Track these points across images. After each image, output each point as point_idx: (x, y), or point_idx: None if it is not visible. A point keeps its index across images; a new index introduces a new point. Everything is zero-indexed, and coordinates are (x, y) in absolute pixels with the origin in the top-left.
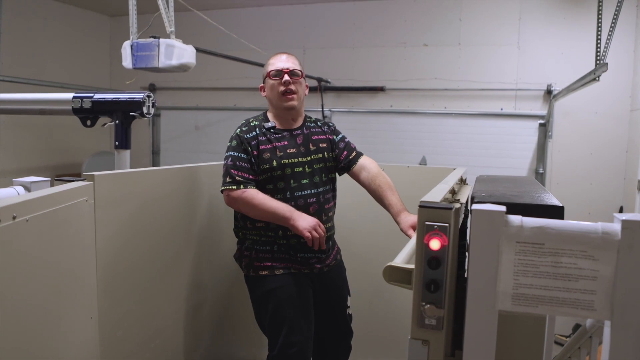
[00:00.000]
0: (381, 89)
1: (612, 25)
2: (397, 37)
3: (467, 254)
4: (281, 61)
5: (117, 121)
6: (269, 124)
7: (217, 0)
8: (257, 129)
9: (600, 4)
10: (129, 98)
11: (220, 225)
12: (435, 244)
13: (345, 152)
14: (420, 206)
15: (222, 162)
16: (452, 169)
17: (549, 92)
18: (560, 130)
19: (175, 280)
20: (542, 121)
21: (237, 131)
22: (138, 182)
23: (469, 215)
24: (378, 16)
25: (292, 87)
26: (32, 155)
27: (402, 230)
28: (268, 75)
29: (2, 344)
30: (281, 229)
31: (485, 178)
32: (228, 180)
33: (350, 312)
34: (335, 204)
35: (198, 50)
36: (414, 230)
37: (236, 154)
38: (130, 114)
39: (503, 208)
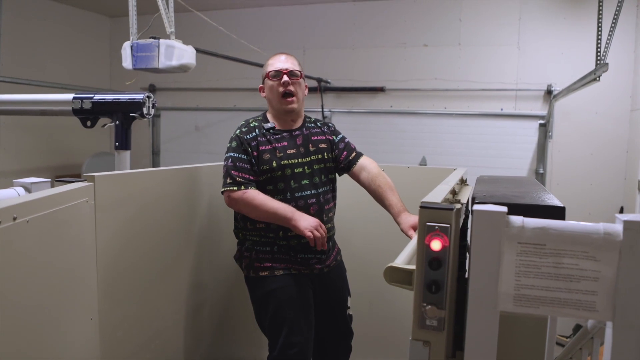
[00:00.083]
0: (381, 90)
1: (613, 25)
2: (397, 38)
3: (467, 254)
4: (280, 62)
5: (117, 122)
6: (269, 125)
7: (217, 0)
8: (256, 130)
9: (601, 4)
10: (129, 99)
11: (220, 226)
12: (436, 245)
13: (345, 153)
14: (421, 207)
15: (222, 163)
16: (453, 170)
17: (549, 92)
18: (561, 131)
19: (175, 280)
20: (542, 121)
21: (237, 132)
22: (138, 183)
23: (470, 215)
24: (378, 16)
25: (291, 87)
26: (32, 156)
27: (402, 230)
28: (267, 76)
29: (3, 345)
30: (281, 230)
31: (486, 178)
32: (229, 181)
33: (351, 313)
34: (335, 204)
35: (198, 50)
36: (415, 231)
37: (236, 154)
38: (131, 114)
39: (504, 209)
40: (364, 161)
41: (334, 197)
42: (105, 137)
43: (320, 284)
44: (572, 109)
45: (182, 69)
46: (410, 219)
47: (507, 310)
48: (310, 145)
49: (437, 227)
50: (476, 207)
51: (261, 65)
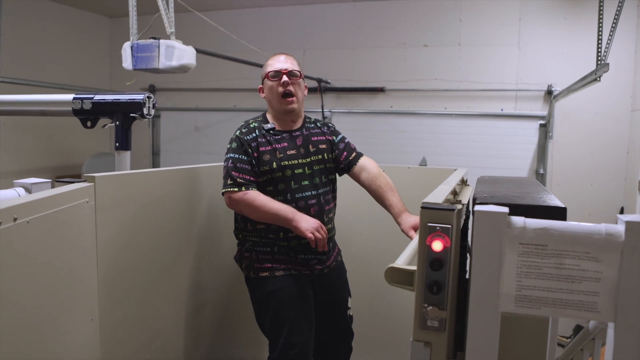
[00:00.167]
0: (381, 90)
1: (613, 25)
2: (397, 38)
3: (468, 255)
4: (279, 62)
5: (117, 122)
6: (269, 126)
7: (217, 1)
8: (256, 131)
9: (601, 4)
10: (129, 99)
11: (220, 227)
12: (437, 246)
13: (345, 153)
14: (422, 207)
15: (222, 164)
16: (453, 170)
17: (549, 92)
18: (561, 131)
19: (175, 281)
20: (542, 122)
21: (237, 133)
22: (138, 184)
23: (471, 216)
24: (378, 17)
25: (291, 88)
26: (32, 157)
27: (403, 231)
28: (267, 76)
29: (3, 345)
30: (282, 231)
31: (487, 179)
32: (229, 182)
33: (351, 314)
34: (335, 205)
35: (198, 51)
36: (415, 231)
37: (237, 155)
38: (131, 115)
39: (506, 209)
40: (364, 161)
41: (334, 198)
42: (106, 137)
43: (320, 284)
44: (573, 109)
45: (182, 69)
46: (411, 219)
47: (508, 311)
48: (310, 145)
49: (438, 228)
50: (477, 207)
51: (261, 66)
